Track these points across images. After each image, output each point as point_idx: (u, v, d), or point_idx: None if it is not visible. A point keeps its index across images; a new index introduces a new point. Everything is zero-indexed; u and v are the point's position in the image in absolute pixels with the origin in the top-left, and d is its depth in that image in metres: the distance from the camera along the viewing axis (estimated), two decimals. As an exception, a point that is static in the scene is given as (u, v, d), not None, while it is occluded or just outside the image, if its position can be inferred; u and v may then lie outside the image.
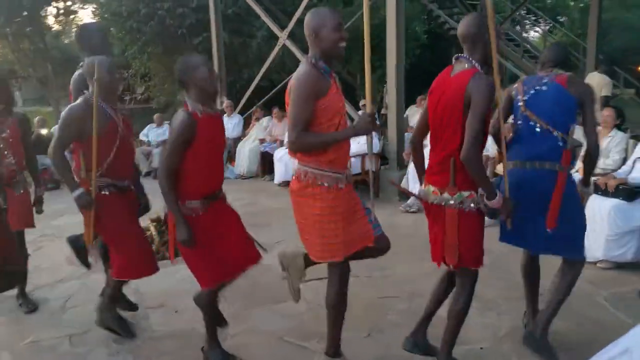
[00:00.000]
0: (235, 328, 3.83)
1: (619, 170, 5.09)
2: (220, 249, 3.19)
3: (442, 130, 2.86)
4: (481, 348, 3.48)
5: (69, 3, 20.36)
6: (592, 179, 5.05)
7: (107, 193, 3.51)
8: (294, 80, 2.78)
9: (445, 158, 2.84)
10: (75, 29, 4.22)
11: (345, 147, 2.94)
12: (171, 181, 3.02)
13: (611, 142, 5.43)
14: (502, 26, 15.02)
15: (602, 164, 5.37)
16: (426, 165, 3.09)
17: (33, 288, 4.65)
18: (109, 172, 3.51)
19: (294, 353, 3.52)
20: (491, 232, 3.27)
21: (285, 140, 2.71)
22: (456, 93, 2.74)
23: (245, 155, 10.15)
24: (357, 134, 2.83)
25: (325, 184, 2.84)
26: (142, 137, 11.35)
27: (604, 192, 4.83)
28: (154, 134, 11.26)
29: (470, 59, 2.83)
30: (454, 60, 2.94)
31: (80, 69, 3.90)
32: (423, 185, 3.06)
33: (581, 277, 4.53)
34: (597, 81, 8.73)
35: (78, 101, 3.48)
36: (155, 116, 11.68)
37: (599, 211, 4.74)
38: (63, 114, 3.45)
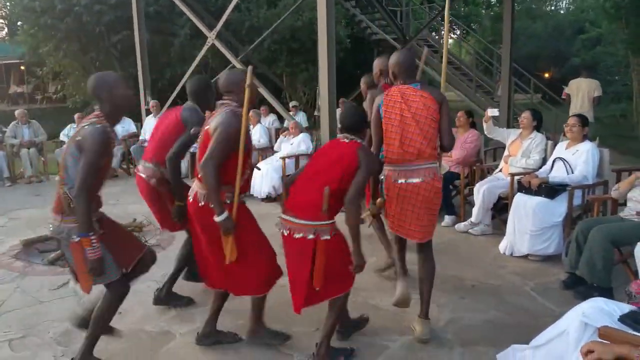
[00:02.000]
0: (183, 327, 3.84)
1: (540, 170, 5.46)
2: None
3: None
4: (426, 338, 3.67)
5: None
6: (517, 178, 5.44)
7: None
8: (441, 96, 3.52)
9: None
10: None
11: None
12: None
13: (532, 144, 5.79)
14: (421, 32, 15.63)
15: (524, 163, 5.73)
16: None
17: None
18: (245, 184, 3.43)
19: (247, 347, 3.58)
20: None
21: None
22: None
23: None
24: None
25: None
26: (62, 137, 10.82)
27: (527, 190, 5.17)
28: (74, 133, 10.75)
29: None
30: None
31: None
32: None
33: (510, 269, 4.88)
34: (588, 84, 9.64)
35: (229, 115, 3.21)
36: (76, 115, 11.12)
37: (524, 208, 5.06)
38: (225, 126, 3.16)
